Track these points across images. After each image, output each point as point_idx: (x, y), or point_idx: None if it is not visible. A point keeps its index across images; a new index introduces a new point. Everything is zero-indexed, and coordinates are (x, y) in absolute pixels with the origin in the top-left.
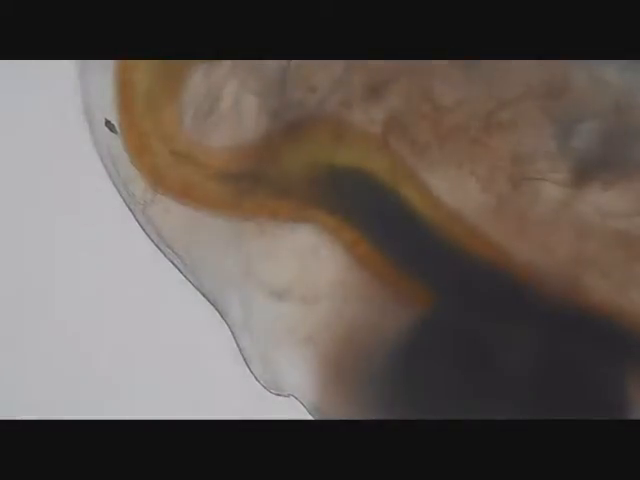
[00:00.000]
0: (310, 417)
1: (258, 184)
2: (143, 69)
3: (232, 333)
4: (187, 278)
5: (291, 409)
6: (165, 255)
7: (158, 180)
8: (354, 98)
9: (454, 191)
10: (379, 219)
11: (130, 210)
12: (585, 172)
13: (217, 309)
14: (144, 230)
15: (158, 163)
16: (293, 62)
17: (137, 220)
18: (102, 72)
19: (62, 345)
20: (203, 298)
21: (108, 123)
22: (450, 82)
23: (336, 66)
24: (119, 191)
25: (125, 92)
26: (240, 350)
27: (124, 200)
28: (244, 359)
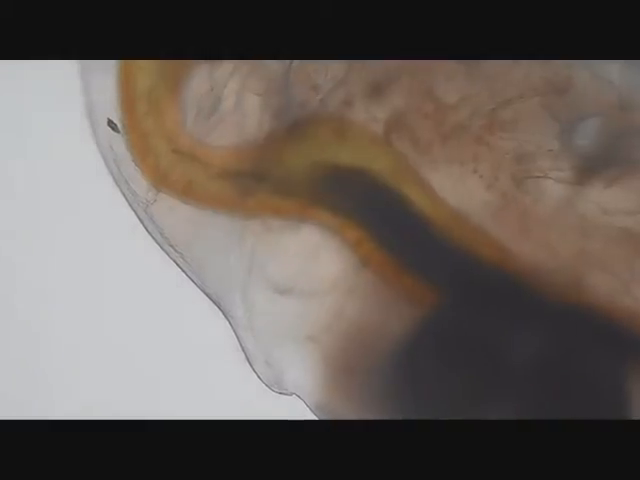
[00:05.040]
0: (313, 416)
1: (260, 183)
2: (145, 69)
3: (235, 332)
4: (190, 277)
5: (294, 409)
6: (168, 254)
7: (161, 179)
8: (356, 97)
9: (457, 189)
10: (382, 218)
11: (132, 209)
12: (588, 170)
13: (220, 308)
14: (146, 229)
15: (161, 162)
16: (295, 61)
17: (139, 219)
18: (104, 71)
19: (63, 345)
20: (206, 297)
21: (110, 122)
22: (452, 80)
23: (338, 65)
24: (121, 190)
25: (127, 91)
26: (243, 349)
27: (126, 199)
28: (247, 358)
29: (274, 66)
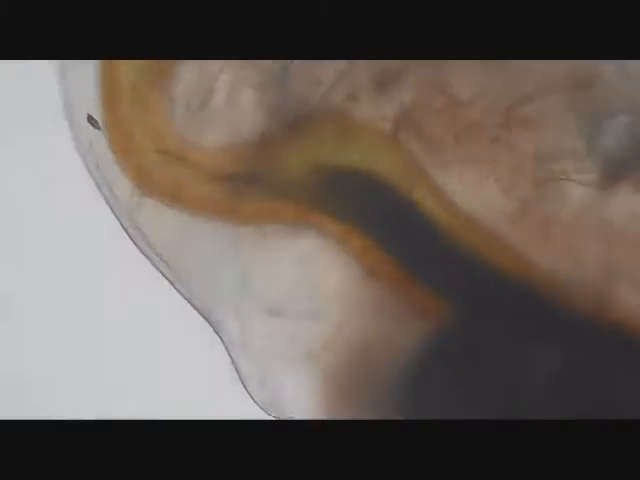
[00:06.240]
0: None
1: (256, 186)
2: (128, 61)
3: (227, 350)
4: (178, 290)
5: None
6: (153, 264)
7: (146, 182)
8: (362, 91)
9: (471, 194)
10: (390, 224)
11: (115, 215)
12: (614, 172)
13: (210, 323)
14: (130, 237)
15: (146, 163)
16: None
17: (122, 226)
18: (83, 65)
19: (61, 350)
20: (195, 312)
21: (90, 119)
22: (466, 74)
23: None
24: (103, 194)
25: (110, 86)
26: (236, 368)
27: (108, 204)
28: (240, 378)
29: None
